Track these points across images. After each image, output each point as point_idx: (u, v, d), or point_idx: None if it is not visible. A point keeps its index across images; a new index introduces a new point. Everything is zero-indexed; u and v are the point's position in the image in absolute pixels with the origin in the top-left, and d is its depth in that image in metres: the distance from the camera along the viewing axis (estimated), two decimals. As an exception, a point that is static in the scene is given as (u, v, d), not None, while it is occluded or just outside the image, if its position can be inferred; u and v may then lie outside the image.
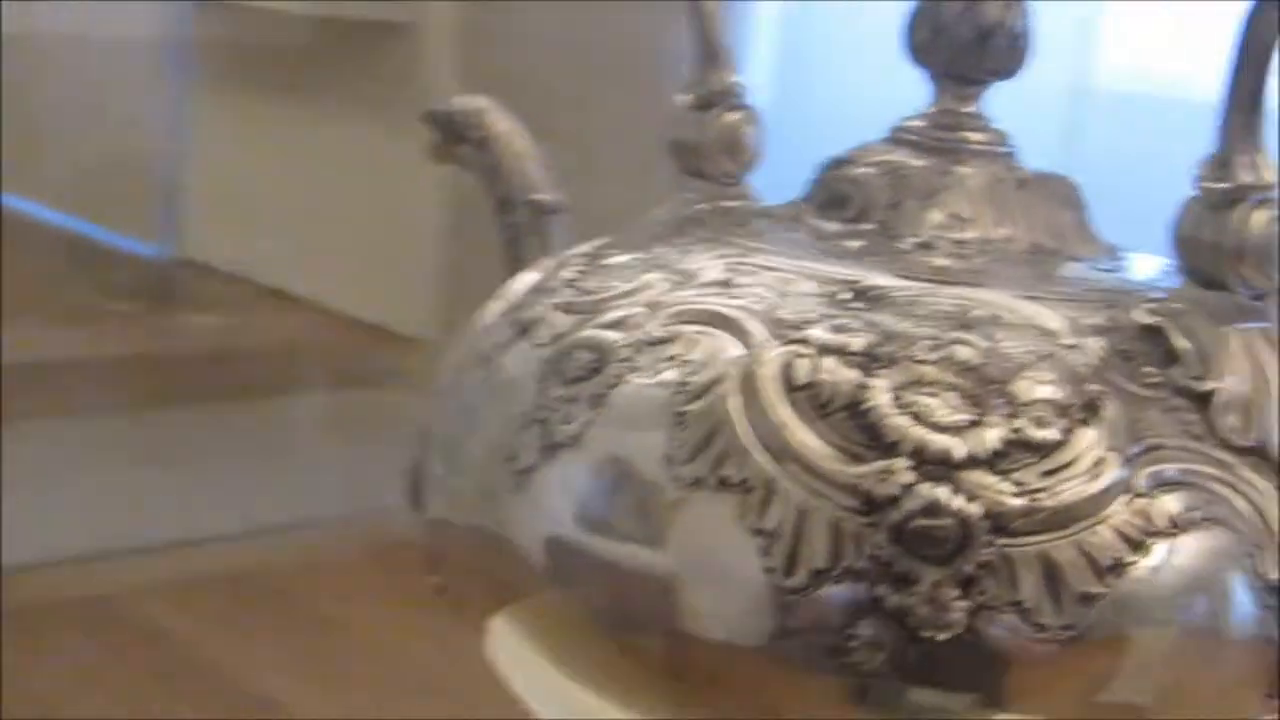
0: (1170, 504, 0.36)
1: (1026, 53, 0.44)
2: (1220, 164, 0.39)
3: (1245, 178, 0.38)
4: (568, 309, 0.42)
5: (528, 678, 0.43)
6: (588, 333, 0.40)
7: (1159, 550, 0.36)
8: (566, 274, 0.43)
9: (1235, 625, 0.37)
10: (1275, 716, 0.38)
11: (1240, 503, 0.37)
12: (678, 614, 0.37)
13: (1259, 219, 0.38)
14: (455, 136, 0.52)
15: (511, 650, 0.43)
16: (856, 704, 0.36)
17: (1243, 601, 0.36)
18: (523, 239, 0.51)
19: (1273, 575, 0.37)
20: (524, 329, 0.42)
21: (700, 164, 0.50)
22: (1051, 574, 0.35)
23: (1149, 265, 0.44)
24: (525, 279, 0.46)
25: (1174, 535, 0.36)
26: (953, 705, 0.36)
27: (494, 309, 0.45)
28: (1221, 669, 0.37)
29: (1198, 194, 0.39)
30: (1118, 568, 0.35)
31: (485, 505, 0.41)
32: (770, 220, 0.45)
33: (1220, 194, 0.39)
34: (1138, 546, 0.35)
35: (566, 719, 0.43)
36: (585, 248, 0.45)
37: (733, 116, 0.49)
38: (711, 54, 0.50)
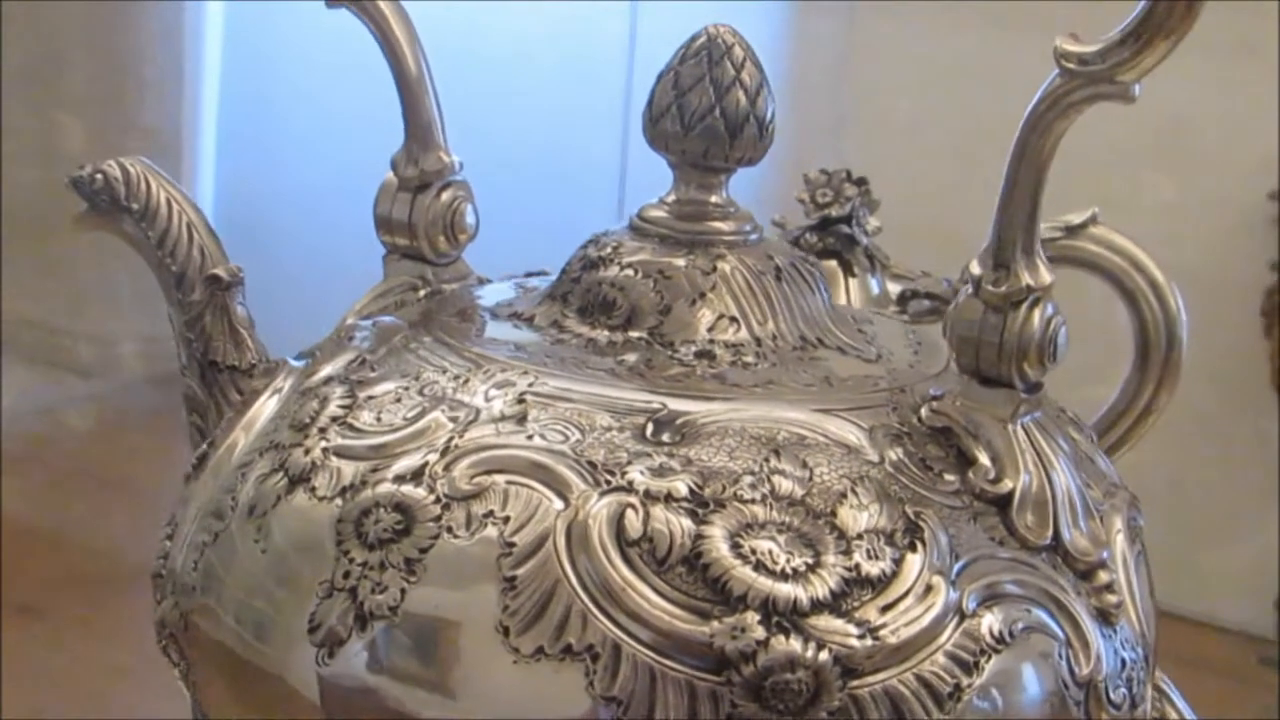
0: (994, 621, 0.37)
1: (770, 139, 0.44)
2: (999, 267, 0.39)
3: (1026, 280, 0.39)
4: (347, 455, 0.39)
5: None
6: (385, 489, 0.38)
7: (989, 668, 0.37)
8: (331, 409, 0.40)
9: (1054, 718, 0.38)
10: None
11: (1050, 605, 0.38)
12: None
13: (1037, 318, 0.40)
14: (109, 205, 0.47)
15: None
16: None
17: (1056, 698, 0.38)
18: (203, 318, 0.47)
19: (1083, 671, 0.38)
20: (299, 478, 0.39)
21: (416, 245, 0.48)
22: (897, 709, 0.36)
23: (900, 340, 0.45)
24: (265, 404, 0.43)
25: (1000, 651, 0.37)
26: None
27: (239, 438, 0.42)
28: (1041, 762, 0.38)
29: (975, 294, 0.40)
30: (955, 693, 0.36)
31: (263, 649, 0.39)
32: (529, 327, 0.43)
33: (1002, 296, 0.39)
34: (970, 668, 0.36)
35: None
36: (330, 369, 0.42)
37: (450, 195, 0.47)
38: (421, 133, 0.47)
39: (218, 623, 0.40)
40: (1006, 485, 0.39)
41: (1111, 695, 0.39)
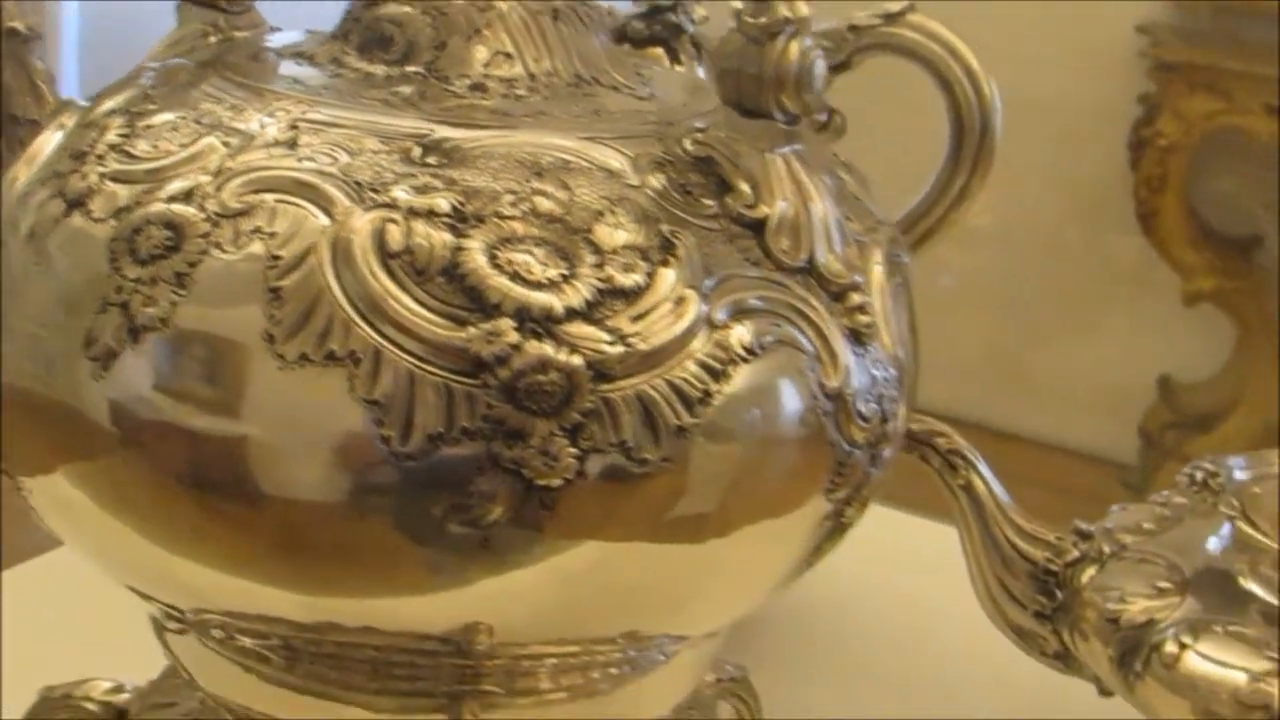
0: (743, 333, 0.39)
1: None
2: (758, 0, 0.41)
3: (784, 11, 0.41)
4: (122, 179, 0.40)
5: (90, 535, 0.43)
6: (157, 208, 0.39)
7: (739, 377, 0.39)
8: (110, 138, 0.41)
9: (801, 432, 0.40)
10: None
11: (800, 321, 0.40)
12: (289, 485, 0.37)
13: (794, 49, 0.41)
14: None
15: (70, 508, 0.42)
16: (482, 554, 0.38)
17: (807, 410, 0.40)
18: (1, 73, 0.48)
19: (831, 384, 0.40)
20: (75, 202, 0.40)
21: (208, -9, 0.48)
22: (648, 412, 0.37)
23: (677, 85, 0.46)
24: (49, 138, 0.44)
25: (749, 361, 0.39)
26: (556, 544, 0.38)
27: (21, 172, 0.43)
28: (790, 471, 0.40)
29: (737, 28, 0.41)
30: (705, 398, 0.38)
31: (49, 378, 0.40)
32: (310, 64, 0.44)
33: (760, 28, 0.41)
34: (719, 376, 0.38)
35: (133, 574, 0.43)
36: (113, 103, 0.43)
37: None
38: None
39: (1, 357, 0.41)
40: (763, 210, 0.41)
41: (862, 409, 0.41)
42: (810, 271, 0.41)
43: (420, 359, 0.36)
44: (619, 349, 0.37)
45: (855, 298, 0.41)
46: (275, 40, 0.47)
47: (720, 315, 0.39)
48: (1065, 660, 0.75)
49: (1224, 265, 1.76)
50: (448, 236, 0.37)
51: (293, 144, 0.40)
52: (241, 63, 0.45)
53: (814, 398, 0.40)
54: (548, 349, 0.37)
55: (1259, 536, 0.69)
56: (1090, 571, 0.73)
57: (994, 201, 1.36)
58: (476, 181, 0.38)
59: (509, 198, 0.38)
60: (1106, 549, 0.74)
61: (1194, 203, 1.76)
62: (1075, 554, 0.74)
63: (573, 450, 0.37)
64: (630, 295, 0.38)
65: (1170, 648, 0.68)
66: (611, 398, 0.37)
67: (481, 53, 0.43)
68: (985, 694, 0.85)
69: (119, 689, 0.53)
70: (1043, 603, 0.74)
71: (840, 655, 0.89)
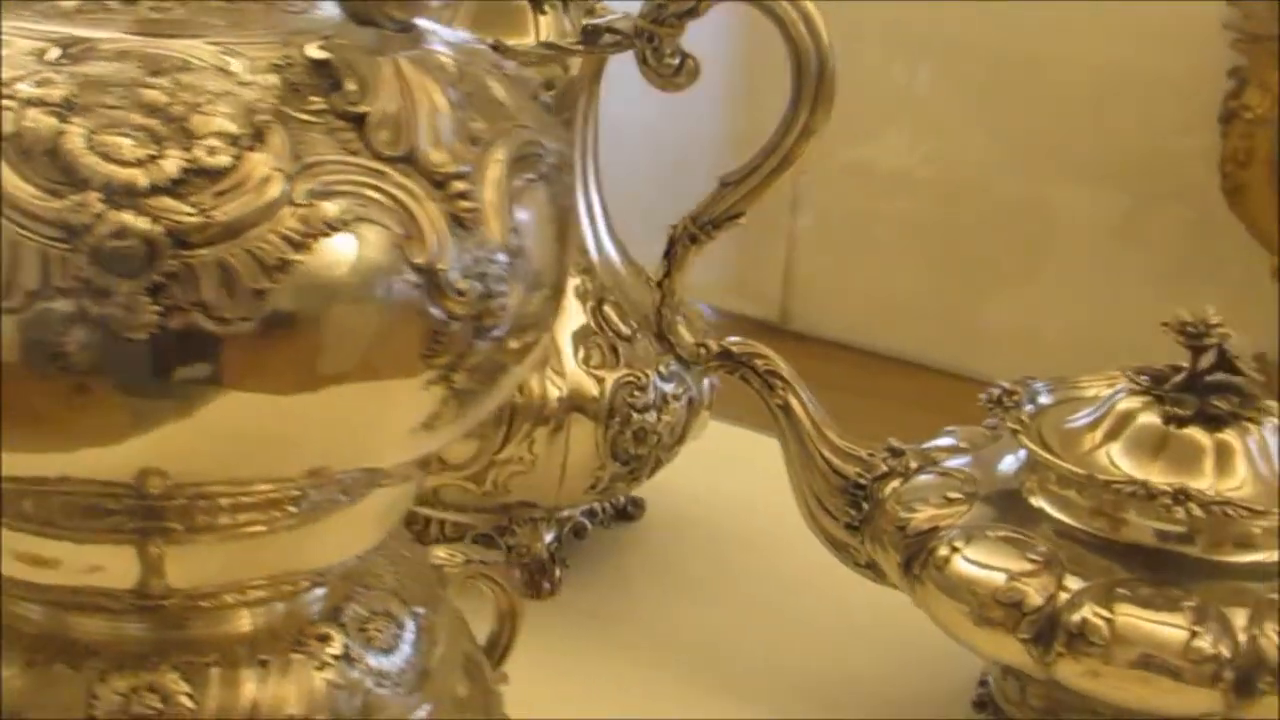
0: (328, 209, 0.44)
1: None
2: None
3: (384, -68, 0.46)
4: None
5: None
6: None
7: (319, 248, 0.44)
8: None
9: (390, 301, 0.45)
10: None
11: (389, 202, 0.45)
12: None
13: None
14: None
15: None
16: (77, 401, 0.43)
17: (396, 282, 0.45)
18: None
19: (419, 260, 0.45)
20: None
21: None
22: (227, 276, 0.43)
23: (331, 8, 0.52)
24: None
25: (330, 235, 0.44)
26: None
27: None
28: (382, 336, 0.46)
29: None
30: (283, 265, 0.43)
31: None
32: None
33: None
34: (300, 246, 0.44)
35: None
36: None
37: None
38: None
39: None
40: (364, 107, 0.46)
41: (459, 285, 0.46)
42: (411, 161, 0.46)
43: (22, 226, 0.42)
44: (198, 219, 0.43)
45: (459, 185, 0.46)
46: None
47: (304, 194, 0.44)
48: (875, 570, 0.79)
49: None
50: (53, 121, 0.43)
51: (-44, 46, 0.46)
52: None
53: (401, 271, 0.45)
54: (127, 217, 0.42)
55: (1046, 455, 0.73)
56: (894, 485, 0.78)
57: (1081, 173, 1.38)
58: (93, 74, 0.44)
59: (119, 90, 0.44)
60: (914, 464, 0.79)
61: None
62: (884, 469, 0.78)
63: (155, 307, 0.43)
64: (215, 174, 0.43)
65: (943, 551, 0.72)
66: (191, 263, 0.43)
67: (140, -28, 0.49)
68: (809, 600, 0.89)
69: None
70: (852, 515, 0.79)
71: (670, 561, 0.94)
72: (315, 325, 0.44)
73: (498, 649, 0.65)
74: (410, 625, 0.55)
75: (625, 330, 0.86)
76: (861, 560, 0.78)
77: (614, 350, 0.85)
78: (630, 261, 0.90)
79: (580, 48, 0.84)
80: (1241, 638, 0.67)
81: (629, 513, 0.98)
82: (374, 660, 0.53)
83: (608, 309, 0.86)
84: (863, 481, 0.78)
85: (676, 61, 0.80)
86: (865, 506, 0.77)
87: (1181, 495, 0.68)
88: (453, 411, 0.49)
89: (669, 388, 0.86)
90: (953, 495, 0.75)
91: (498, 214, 0.48)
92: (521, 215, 0.49)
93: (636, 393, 0.85)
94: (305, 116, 0.45)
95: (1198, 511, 0.68)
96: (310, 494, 0.50)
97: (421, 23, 0.50)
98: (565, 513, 0.91)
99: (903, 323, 1.49)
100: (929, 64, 1.49)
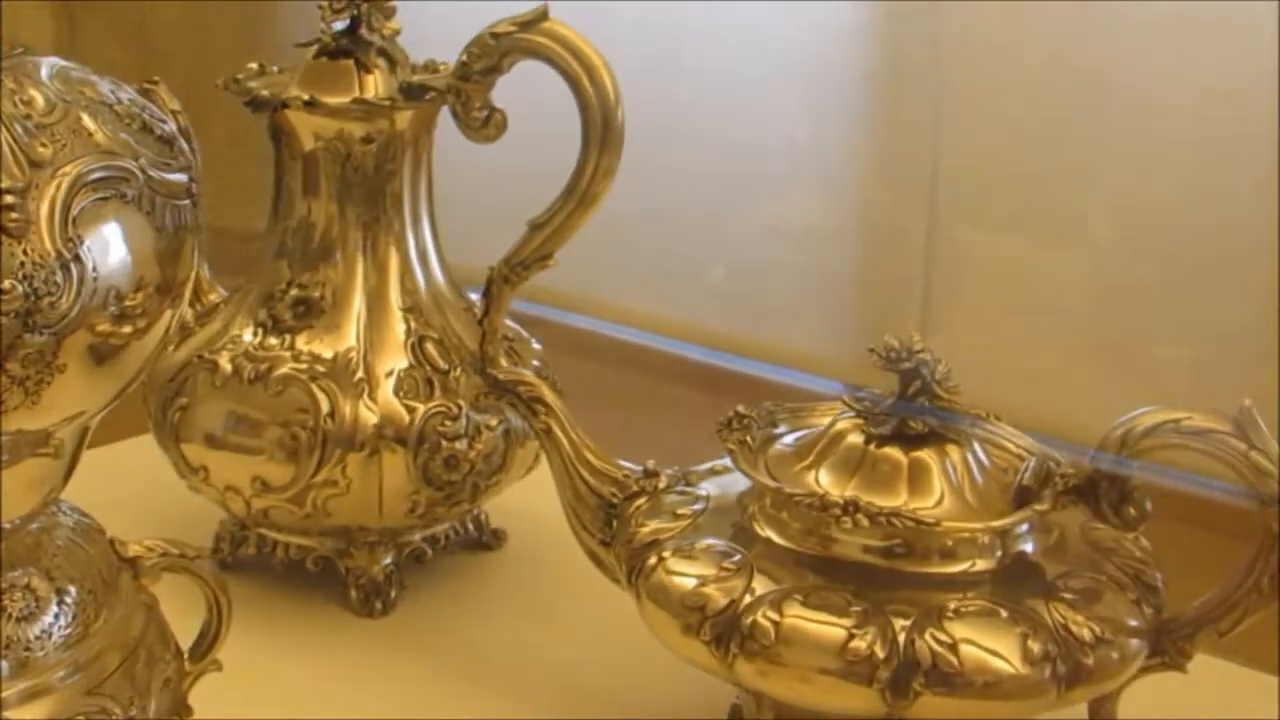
0: None
1: None
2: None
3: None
4: None
5: None
6: None
7: None
8: None
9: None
10: None
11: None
12: None
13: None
14: None
15: None
16: None
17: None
18: None
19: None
20: None
21: None
22: None
23: None
24: None
25: None
26: None
27: None
28: None
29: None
30: None
31: None
32: None
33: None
34: None
35: None
36: None
37: None
38: None
39: None
40: None
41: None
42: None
43: None
44: None
45: (8, 199, 0.53)
46: None
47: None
48: (624, 584, 0.84)
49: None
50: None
51: None
52: None
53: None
54: None
55: (752, 473, 0.78)
56: (639, 503, 0.83)
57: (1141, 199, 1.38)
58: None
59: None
60: (663, 485, 0.84)
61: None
62: (635, 489, 0.84)
63: None
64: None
65: (652, 561, 0.77)
66: None
67: None
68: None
69: None
70: (606, 532, 0.84)
71: (518, 588, 0.99)
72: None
73: (206, 639, 0.71)
74: (53, 601, 0.62)
75: (443, 365, 0.92)
76: (618, 575, 0.83)
77: (429, 383, 0.92)
78: (465, 299, 0.96)
79: (387, 103, 0.91)
80: (901, 640, 0.70)
81: (486, 543, 1.03)
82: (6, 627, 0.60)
83: (429, 346, 0.93)
84: (615, 500, 0.82)
85: (484, 114, 0.87)
86: (614, 524, 0.82)
87: (851, 506, 0.72)
88: (20, 395, 0.55)
89: (482, 418, 0.92)
90: (681, 512, 0.80)
91: (50, 228, 0.54)
92: (88, 230, 0.55)
93: (448, 422, 0.91)
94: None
95: (865, 522, 0.72)
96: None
97: (40, 59, 0.58)
98: (405, 538, 0.97)
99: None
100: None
